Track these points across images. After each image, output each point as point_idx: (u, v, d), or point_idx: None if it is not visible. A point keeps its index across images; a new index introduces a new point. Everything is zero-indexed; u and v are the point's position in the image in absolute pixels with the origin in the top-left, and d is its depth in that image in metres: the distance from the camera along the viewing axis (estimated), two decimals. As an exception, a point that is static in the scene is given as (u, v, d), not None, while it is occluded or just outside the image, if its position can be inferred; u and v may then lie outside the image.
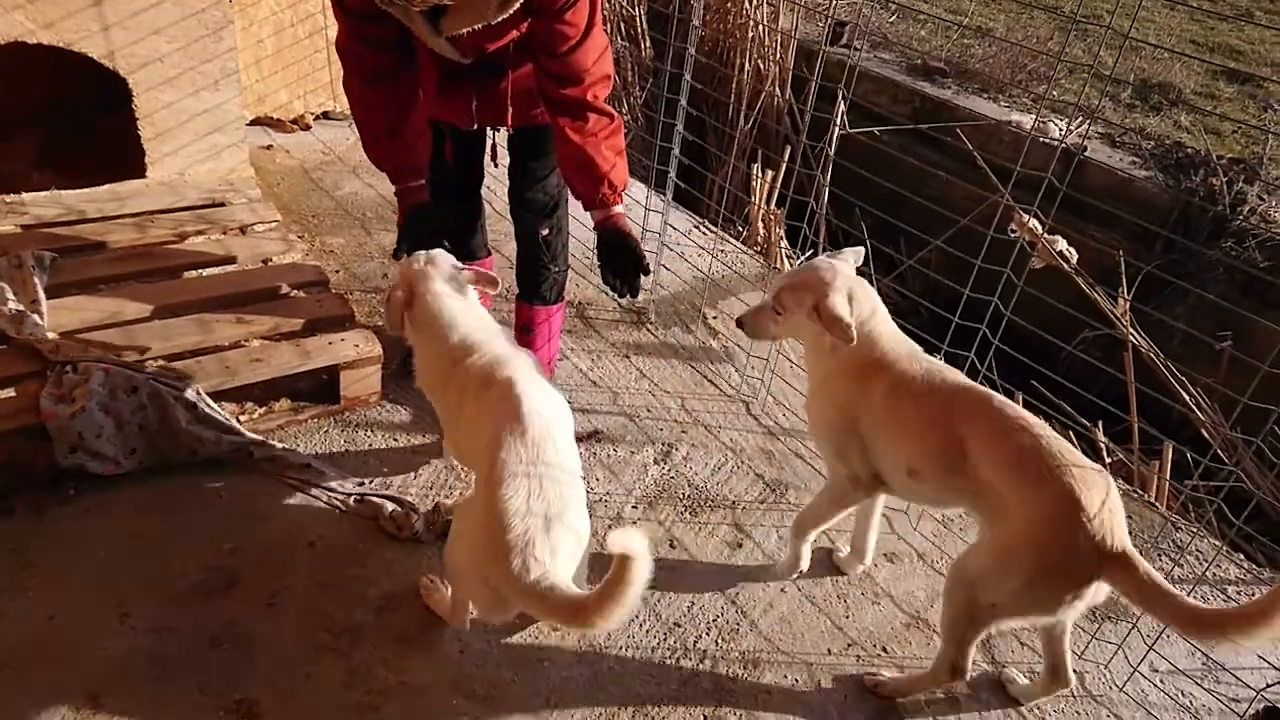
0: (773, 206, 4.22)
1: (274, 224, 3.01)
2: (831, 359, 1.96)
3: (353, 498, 2.24)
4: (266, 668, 1.85)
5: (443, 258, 2.07)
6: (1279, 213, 4.13)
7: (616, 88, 5.49)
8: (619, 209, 2.21)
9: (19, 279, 2.44)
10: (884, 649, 2.09)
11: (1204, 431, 3.27)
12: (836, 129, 3.34)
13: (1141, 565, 1.62)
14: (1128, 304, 2.91)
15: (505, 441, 1.71)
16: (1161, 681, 2.08)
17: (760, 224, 4.23)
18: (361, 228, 3.50)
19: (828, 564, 2.30)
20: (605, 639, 2.02)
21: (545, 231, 2.48)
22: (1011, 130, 4.64)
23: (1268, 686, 1.99)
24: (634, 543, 1.45)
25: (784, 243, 4.11)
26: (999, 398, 1.82)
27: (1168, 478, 2.89)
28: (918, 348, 1.97)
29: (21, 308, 2.33)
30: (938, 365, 1.92)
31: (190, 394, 2.26)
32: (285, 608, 1.98)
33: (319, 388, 2.52)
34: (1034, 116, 3.22)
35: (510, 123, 2.31)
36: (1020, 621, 1.81)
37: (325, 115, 4.25)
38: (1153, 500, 2.77)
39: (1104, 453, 3.26)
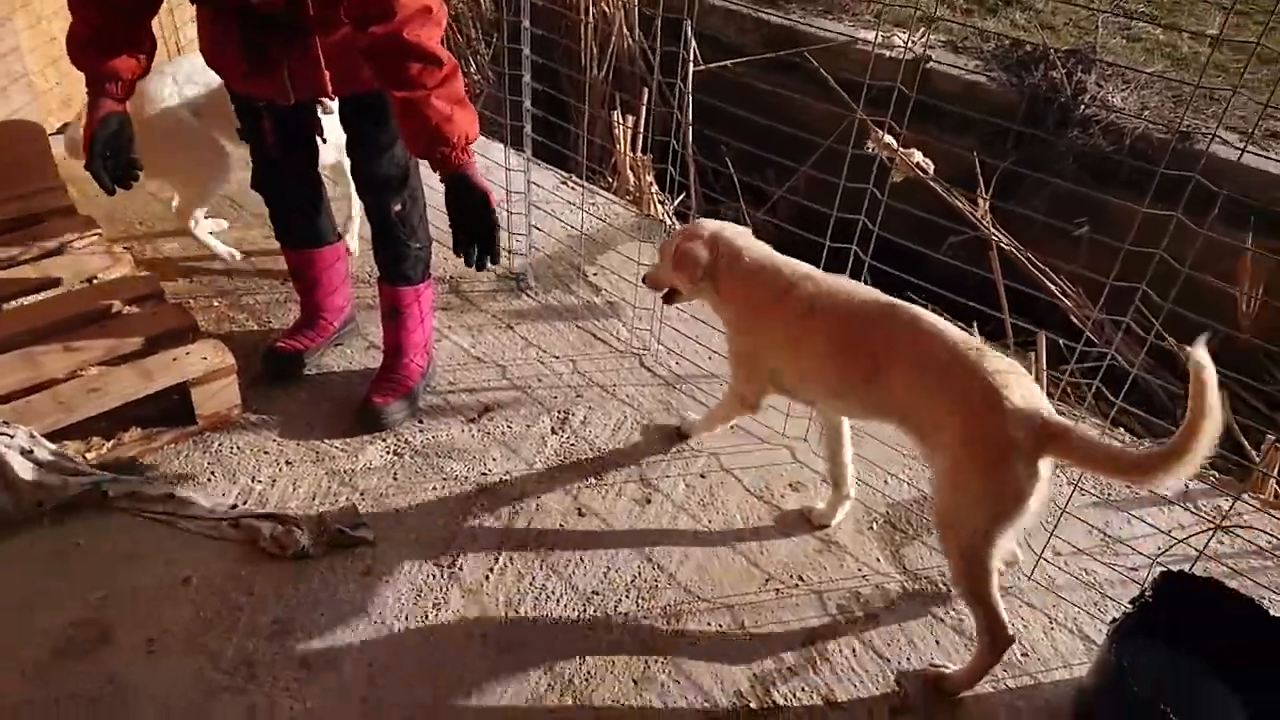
0: (639, 153, 4.13)
1: (95, 237, 2.73)
2: (736, 297, 2.06)
3: (226, 523, 2.07)
4: (156, 720, 1.70)
5: None
6: (1116, 97, 4.31)
7: (460, 47, 5.24)
8: (468, 162, 1.94)
9: None
10: (800, 578, 2.09)
11: (1073, 317, 3.42)
12: (690, 65, 3.27)
13: (1076, 430, 1.65)
14: (986, 204, 2.98)
15: None
16: (1065, 564, 2.16)
17: (629, 172, 4.14)
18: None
19: (740, 505, 2.28)
20: (522, 622, 1.95)
21: (398, 207, 2.29)
22: (858, 48, 4.66)
23: (1161, 552, 2.09)
24: None
25: (654, 188, 4.04)
26: (905, 307, 1.85)
27: (1045, 367, 3.00)
28: (815, 270, 2.02)
29: None
30: (842, 282, 1.95)
31: (23, 439, 2.04)
32: (168, 652, 1.82)
33: (171, 409, 2.30)
34: (876, 31, 3.24)
35: (331, 91, 2.08)
36: (1010, 532, 1.73)
37: (142, 112, 3.88)
38: (1035, 390, 2.86)
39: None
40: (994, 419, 1.65)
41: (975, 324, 3.16)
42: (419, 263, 2.43)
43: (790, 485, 2.35)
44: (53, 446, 2.08)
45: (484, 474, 2.33)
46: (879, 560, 2.15)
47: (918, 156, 2.85)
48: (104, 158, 1.97)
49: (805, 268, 2.02)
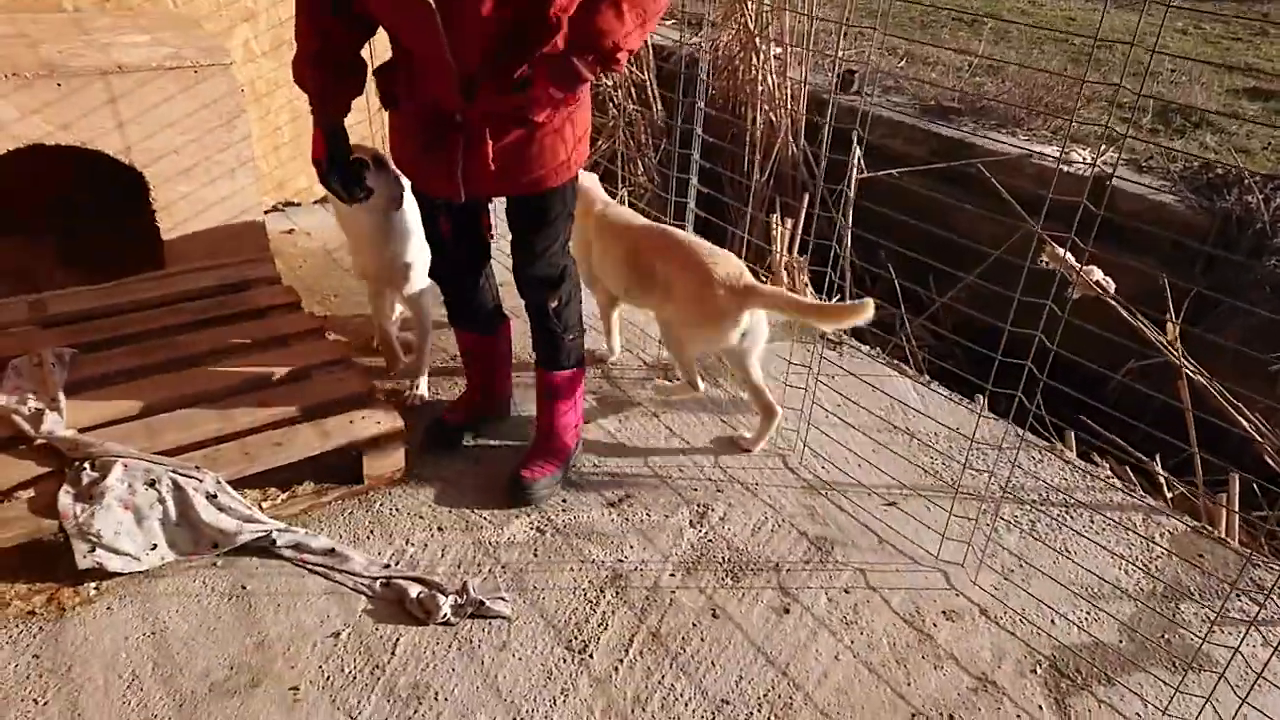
0: (795, 254, 4.16)
1: (294, 305, 2.99)
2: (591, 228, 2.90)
3: (378, 581, 2.15)
4: (293, 771, 1.75)
5: None
6: (1323, 226, 3.99)
7: (631, 150, 5.51)
8: (583, 74, 1.94)
9: (39, 377, 2.43)
10: (951, 717, 1.93)
11: (1268, 459, 3.09)
12: (854, 172, 3.29)
13: (766, 287, 2.61)
14: (1177, 330, 2.78)
15: None
16: (1262, 738, 1.90)
17: (784, 272, 4.16)
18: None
19: (887, 627, 2.16)
20: (650, 721, 1.89)
21: (554, 304, 2.41)
22: (1033, 162, 4.56)
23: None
24: None
25: (809, 290, 4.03)
26: (665, 227, 2.81)
27: (1237, 510, 2.72)
28: (616, 204, 2.94)
29: (41, 406, 2.31)
30: (625, 213, 2.89)
31: (210, 484, 2.21)
32: (311, 703, 1.88)
33: (342, 468, 2.45)
34: (1060, 147, 3.16)
35: (494, 190, 2.21)
36: (701, 344, 2.76)
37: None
38: (1223, 536, 2.59)
39: (1165, 487, 3.10)
40: (706, 284, 2.56)
41: (1159, 457, 2.92)
42: (573, 352, 2.52)
43: (944, 613, 2.20)
44: (234, 493, 2.25)
45: (620, 560, 2.32)
46: (1041, 709, 1.96)
47: (1097, 274, 2.72)
48: (334, 172, 2.24)
49: (621, 209, 2.92)
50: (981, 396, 2.62)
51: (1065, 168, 4.17)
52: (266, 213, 3.65)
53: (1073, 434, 3.02)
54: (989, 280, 2.46)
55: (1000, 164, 4.39)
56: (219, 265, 3.14)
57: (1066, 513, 2.57)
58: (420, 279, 2.78)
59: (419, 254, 2.72)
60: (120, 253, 3.18)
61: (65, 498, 2.10)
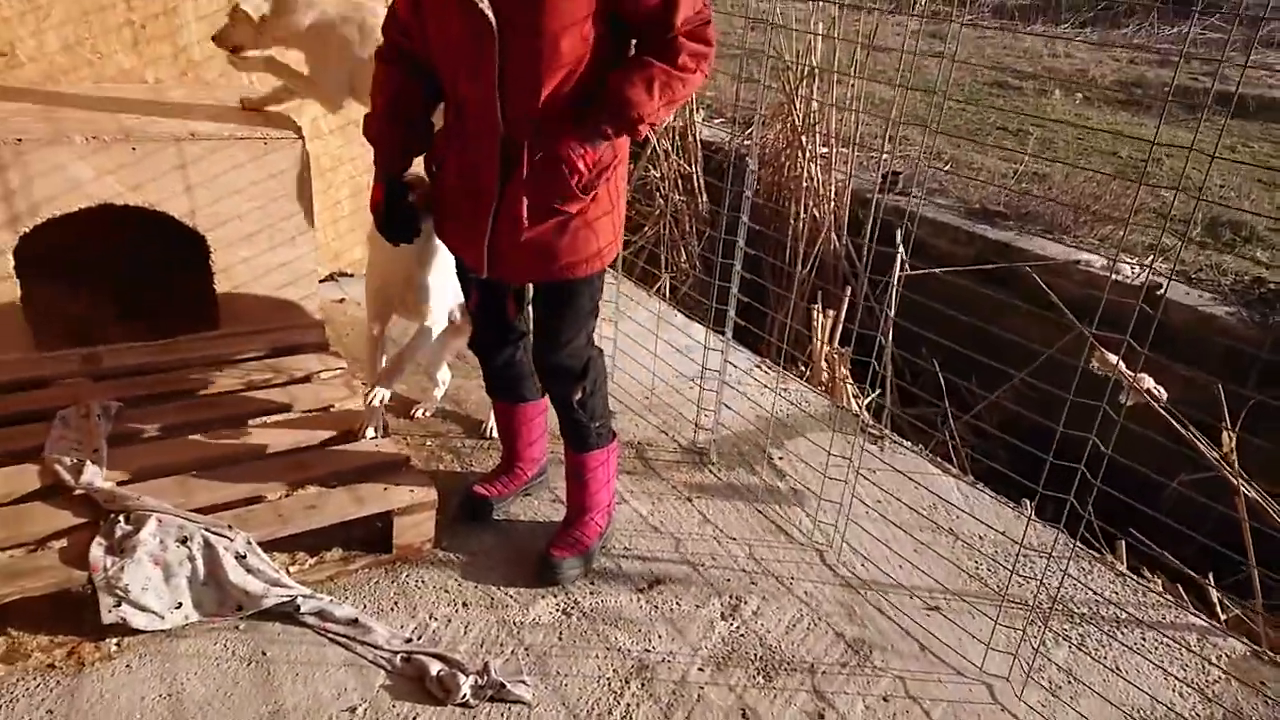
0: (836, 345, 4.14)
1: (339, 371, 3.03)
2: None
3: (399, 656, 2.10)
4: None
5: None
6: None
7: (674, 236, 5.61)
8: (606, 133, 2.00)
9: (85, 429, 2.47)
10: (995, 843, 1.81)
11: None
12: (899, 267, 3.29)
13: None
14: (1234, 441, 2.69)
15: None
16: None
17: (824, 363, 4.14)
18: (423, 373, 3.50)
19: (920, 737, 2.05)
20: (671, 824, 1.79)
21: (578, 396, 2.37)
22: (1081, 269, 4.55)
23: None
24: None
25: (849, 382, 4.00)
26: None
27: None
28: None
29: (83, 457, 2.34)
30: None
31: (240, 544, 2.20)
32: (321, 781, 1.82)
33: (371, 536, 2.43)
34: (1113, 256, 3.16)
35: (520, 271, 2.21)
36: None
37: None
38: (1289, 664, 2.44)
39: (1220, 606, 2.95)
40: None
41: (1212, 574, 2.79)
42: (601, 436, 2.48)
43: (985, 726, 2.09)
44: (263, 555, 2.23)
45: (647, 650, 2.25)
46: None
47: (1148, 382, 2.66)
48: (389, 217, 2.30)
49: None
50: (1029, 500, 2.55)
51: (1115, 276, 4.15)
52: (321, 281, 3.74)
53: (1124, 544, 2.91)
54: (1035, 382, 2.42)
55: (1047, 268, 4.38)
56: (271, 329, 3.20)
57: (1117, 628, 2.45)
58: (437, 314, 2.75)
59: (443, 285, 2.69)
60: (174, 310, 3.26)
61: (97, 550, 2.10)
